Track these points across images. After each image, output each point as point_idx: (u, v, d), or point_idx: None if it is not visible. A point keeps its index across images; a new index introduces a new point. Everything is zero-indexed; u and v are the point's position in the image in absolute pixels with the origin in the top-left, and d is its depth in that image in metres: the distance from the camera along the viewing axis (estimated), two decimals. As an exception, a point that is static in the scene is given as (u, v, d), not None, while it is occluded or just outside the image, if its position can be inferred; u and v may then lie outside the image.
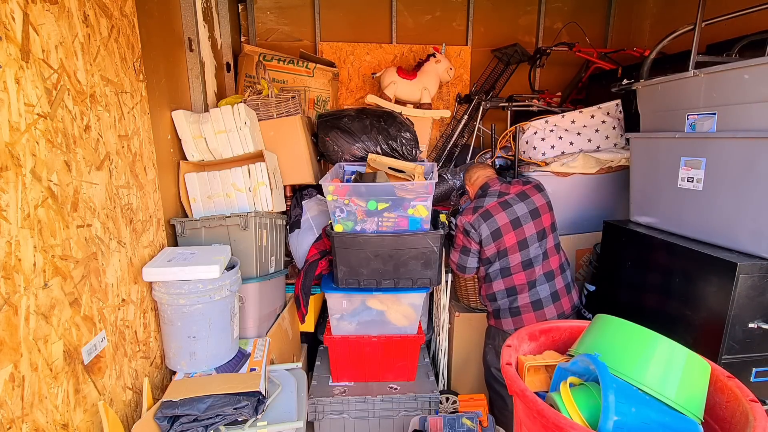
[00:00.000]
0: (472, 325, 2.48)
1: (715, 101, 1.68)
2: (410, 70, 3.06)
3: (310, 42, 3.43)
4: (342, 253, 2.05)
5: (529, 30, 3.60)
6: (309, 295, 2.29)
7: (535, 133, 2.60)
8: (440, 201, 2.84)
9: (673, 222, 1.92)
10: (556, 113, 2.68)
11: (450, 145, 3.21)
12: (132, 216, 1.58)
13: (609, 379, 1.01)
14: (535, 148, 2.61)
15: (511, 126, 2.83)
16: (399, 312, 2.22)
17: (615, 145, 2.64)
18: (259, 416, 1.52)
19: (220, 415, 1.45)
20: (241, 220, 1.91)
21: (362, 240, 2.02)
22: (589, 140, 2.62)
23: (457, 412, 2.21)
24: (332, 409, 2.15)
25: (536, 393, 1.16)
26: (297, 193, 2.63)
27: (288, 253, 2.57)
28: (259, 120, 2.31)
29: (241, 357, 1.79)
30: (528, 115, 2.85)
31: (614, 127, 2.63)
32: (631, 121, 2.60)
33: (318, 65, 2.93)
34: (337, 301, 2.20)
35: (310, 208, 2.54)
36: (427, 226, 2.04)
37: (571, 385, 1.15)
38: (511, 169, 2.73)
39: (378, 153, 2.45)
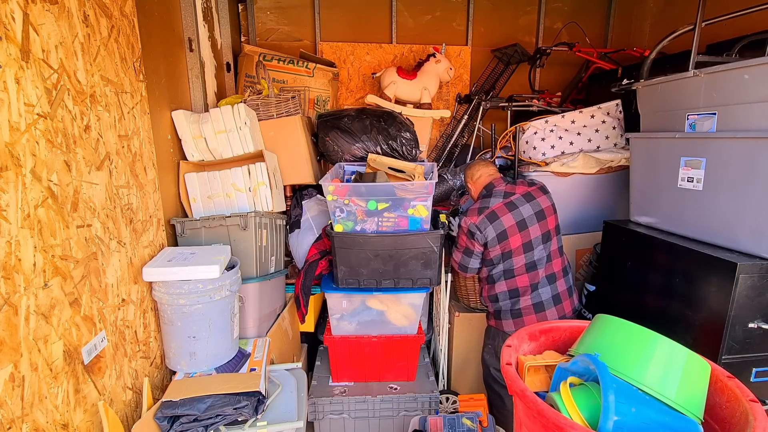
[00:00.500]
0: (472, 325, 2.48)
1: (715, 101, 1.68)
2: (410, 70, 3.06)
3: (310, 42, 3.43)
4: (342, 253, 2.05)
5: (529, 30, 3.61)
6: (309, 295, 2.29)
7: (535, 133, 2.60)
8: (440, 201, 2.84)
9: (673, 222, 1.92)
10: (556, 113, 2.68)
11: (450, 145, 3.21)
12: (132, 216, 1.58)
13: (609, 379, 1.01)
14: (535, 148, 2.61)
15: (511, 126, 2.83)
16: (399, 312, 2.22)
17: (615, 145, 2.64)
18: (259, 416, 1.52)
19: (220, 415, 1.45)
20: (241, 220, 1.91)
21: (362, 240, 2.02)
22: (589, 140, 2.62)
23: (457, 412, 2.21)
24: (332, 409, 2.15)
25: (536, 393, 1.16)
26: (297, 193, 2.63)
27: (288, 253, 2.57)
28: (259, 120, 2.31)
29: (241, 357, 1.79)
30: (528, 115, 2.85)
31: (614, 127, 2.63)
32: (631, 121, 2.60)
33: (318, 65, 2.93)
34: (337, 301, 2.20)
35: (310, 208, 2.54)
36: (427, 226, 2.04)
37: (571, 385, 1.15)
38: (511, 169, 2.73)
39: (378, 153, 2.45)
